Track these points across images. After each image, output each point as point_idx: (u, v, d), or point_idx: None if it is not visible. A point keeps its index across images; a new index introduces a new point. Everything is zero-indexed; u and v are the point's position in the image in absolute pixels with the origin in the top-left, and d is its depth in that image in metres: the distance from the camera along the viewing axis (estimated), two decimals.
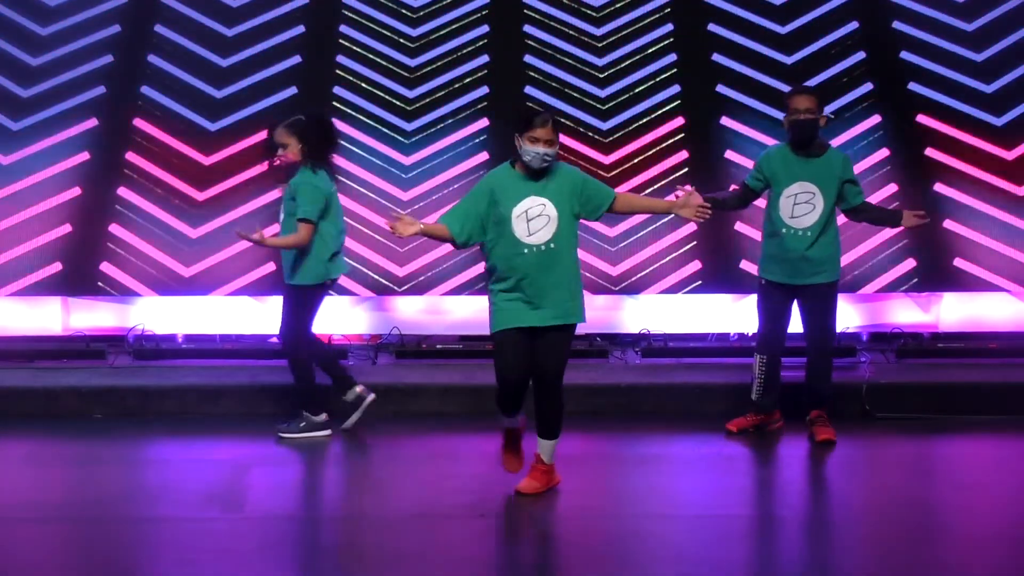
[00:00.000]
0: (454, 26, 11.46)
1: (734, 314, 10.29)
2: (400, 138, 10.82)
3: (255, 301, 10.21)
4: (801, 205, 7.99)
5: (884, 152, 10.68)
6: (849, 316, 10.27)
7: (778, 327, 8.18)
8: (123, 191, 10.51)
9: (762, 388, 8.23)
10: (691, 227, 10.37)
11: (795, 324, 8.25)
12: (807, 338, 8.18)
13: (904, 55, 11.21)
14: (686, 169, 10.63)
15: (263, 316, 10.13)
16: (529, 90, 11.05)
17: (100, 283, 10.15)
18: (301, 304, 8.18)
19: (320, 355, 8.38)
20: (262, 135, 9.55)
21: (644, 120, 10.90)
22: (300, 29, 11.44)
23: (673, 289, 10.20)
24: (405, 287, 10.17)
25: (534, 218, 6.73)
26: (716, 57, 11.22)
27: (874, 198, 10.40)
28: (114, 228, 10.34)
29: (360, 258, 10.24)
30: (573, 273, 6.84)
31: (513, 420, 6.98)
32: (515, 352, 6.75)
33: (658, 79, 11.12)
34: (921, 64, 11.14)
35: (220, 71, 11.16)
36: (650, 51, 11.29)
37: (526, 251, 6.73)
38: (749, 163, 10.33)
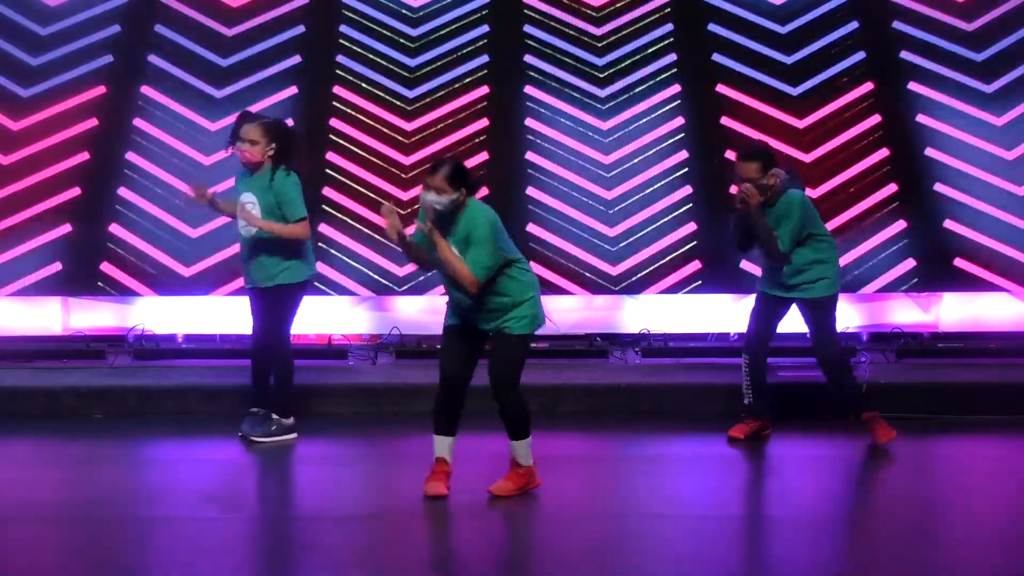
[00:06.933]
0: (454, 26, 11.45)
1: (734, 314, 10.28)
2: (400, 138, 10.82)
3: None
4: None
5: (884, 152, 10.68)
6: (849, 316, 10.26)
7: (763, 329, 8.19)
8: (123, 191, 10.51)
9: (751, 391, 8.20)
10: (691, 227, 10.37)
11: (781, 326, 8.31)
12: (811, 348, 8.26)
13: (904, 55, 11.20)
14: (686, 169, 10.63)
15: None
16: (529, 90, 11.04)
17: (100, 283, 10.14)
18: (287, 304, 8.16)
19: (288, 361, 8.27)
20: None
21: (644, 120, 10.89)
22: (300, 29, 11.43)
23: (673, 289, 10.20)
24: (405, 287, 10.17)
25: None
26: (716, 57, 11.21)
27: (874, 198, 10.46)
28: (114, 228, 10.34)
29: (360, 258, 10.24)
30: (500, 303, 6.80)
31: (444, 443, 6.93)
32: (456, 346, 6.90)
33: (658, 79, 11.11)
34: (921, 64, 11.13)
35: (220, 71, 11.15)
36: (650, 51, 11.28)
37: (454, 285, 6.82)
38: None
